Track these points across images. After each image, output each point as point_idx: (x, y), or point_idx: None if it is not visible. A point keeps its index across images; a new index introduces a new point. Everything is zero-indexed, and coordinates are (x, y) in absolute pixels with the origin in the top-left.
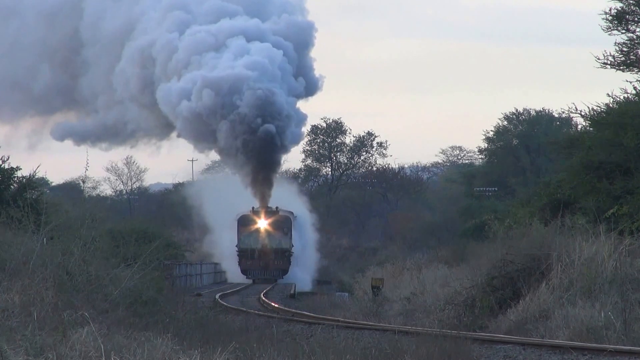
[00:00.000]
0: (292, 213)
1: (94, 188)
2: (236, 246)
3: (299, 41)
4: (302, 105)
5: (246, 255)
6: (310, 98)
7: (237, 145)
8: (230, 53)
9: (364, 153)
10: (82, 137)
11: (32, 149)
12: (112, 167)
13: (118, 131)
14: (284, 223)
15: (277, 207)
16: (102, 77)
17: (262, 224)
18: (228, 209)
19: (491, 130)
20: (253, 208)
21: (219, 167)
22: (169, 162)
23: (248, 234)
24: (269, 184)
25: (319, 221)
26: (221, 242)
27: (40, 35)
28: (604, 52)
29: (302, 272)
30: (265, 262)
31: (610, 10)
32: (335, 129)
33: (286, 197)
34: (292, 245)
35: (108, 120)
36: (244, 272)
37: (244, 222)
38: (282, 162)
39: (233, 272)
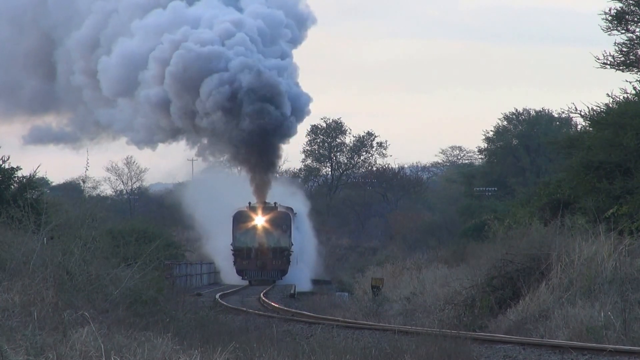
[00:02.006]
0: (291, 209)
1: (94, 188)
2: (231, 245)
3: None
4: None
5: (242, 255)
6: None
7: (230, 134)
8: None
9: (364, 153)
10: (60, 140)
11: (25, 148)
12: (112, 167)
13: (95, 136)
14: (283, 220)
15: (275, 203)
16: (70, 83)
17: (260, 220)
18: (225, 206)
19: (491, 130)
20: (250, 203)
21: (220, 167)
22: (169, 162)
23: (244, 232)
24: (268, 177)
25: (319, 221)
26: (216, 240)
27: (12, 38)
28: (603, 52)
29: (302, 273)
30: (262, 262)
31: (610, 10)
32: (335, 129)
33: (284, 195)
34: (292, 244)
35: (88, 127)
36: (239, 272)
37: (240, 219)
38: (283, 153)
39: (228, 273)
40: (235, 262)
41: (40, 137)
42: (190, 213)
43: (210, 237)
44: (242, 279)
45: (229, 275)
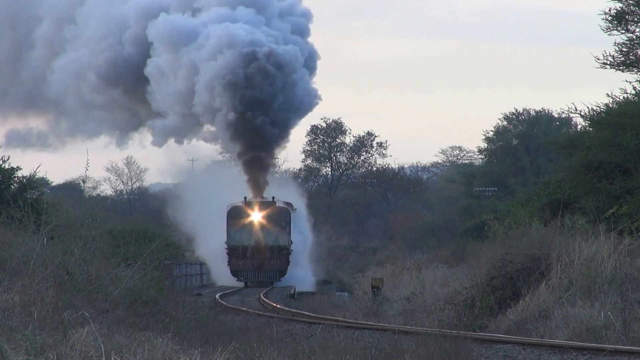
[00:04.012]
0: (291, 205)
1: (94, 188)
2: (225, 243)
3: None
4: None
5: (237, 254)
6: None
7: (225, 122)
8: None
9: (364, 153)
10: (41, 144)
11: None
12: (112, 167)
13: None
14: (281, 216)
15: (273, 198)
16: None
17: (256, 216)
18: (220, 204)
19: (491, 130)
20: (245, 198)
21: (220, 167)
22: (170, 162)
23: (239, 229)
24: (265, 169)
25: (319, 220)
26: (209, 238)
27: None
28: (603, 52)
29: (303, 273)
30: (259, 261)
31: (610, 10)
32: (335, 129)
33: (284, 193)
34: (291, 242)
35: (67, 129)
36: (234, 273)
37: (235, 215)
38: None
39: (223, 274)
40: (229, 262)
41: (16, 141)
42: (183, 212)
43: (203, 235)
44: (237, 280)
45: (223, 276)
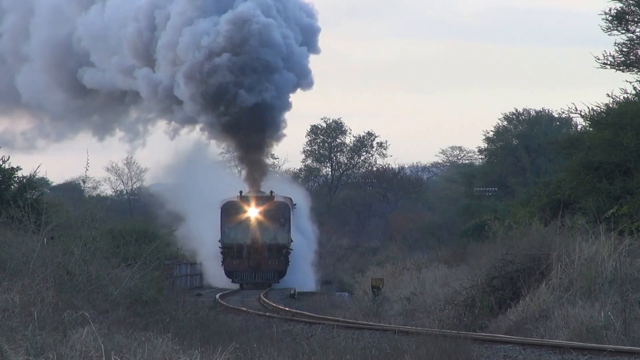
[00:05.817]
0: (290, 200)
1: (94, 188)
2: (219, 241)
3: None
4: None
5: (232, 254)
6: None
7: (218, 112)
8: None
9: (364, 153)
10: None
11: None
12: (112, 167)
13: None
14: (280, 212)
15: (271, 192)
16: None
17: (253, 212)
18: (214, 199)
19: (491, 131)
20: (241, 193)
21: (221, 167)
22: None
23: (234, 226)
24: (262, 162)
25: (319, 220)
26: (202, 236)
27: None
28: (604, 52)
29: (303, 273)
30: (256, 261)
31: (610, 10)
32: (335, 129)
33: (282, 188)
34: (291, 241)
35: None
36: (229, 274)
37: (230, 211)
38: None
39: (217, 275)
40: (224, 262)
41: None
42: (175, 211)
43: (195, 233)
44: (232, 281)
45: (218, 277)
